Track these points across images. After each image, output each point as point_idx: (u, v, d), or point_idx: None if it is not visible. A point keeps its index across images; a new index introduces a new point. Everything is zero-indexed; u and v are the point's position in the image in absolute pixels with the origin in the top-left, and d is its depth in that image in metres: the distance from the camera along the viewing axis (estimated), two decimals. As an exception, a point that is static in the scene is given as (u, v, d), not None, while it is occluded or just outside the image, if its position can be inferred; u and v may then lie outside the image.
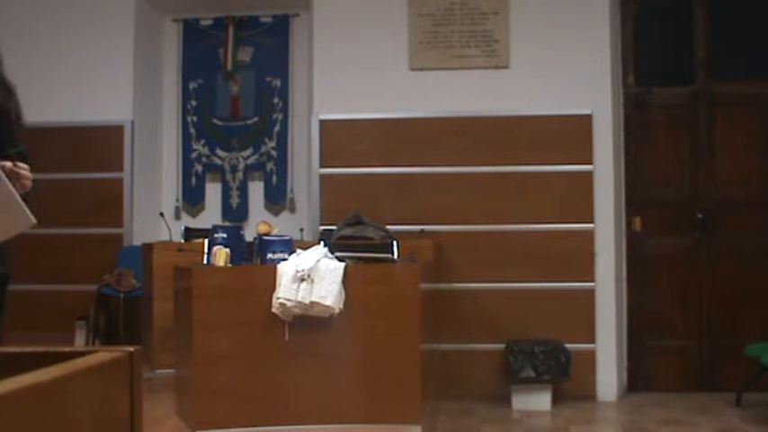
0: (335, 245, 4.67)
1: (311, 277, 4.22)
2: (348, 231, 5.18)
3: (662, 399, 6.02)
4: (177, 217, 7.10)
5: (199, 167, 7.21)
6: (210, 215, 7.00)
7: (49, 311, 6.42)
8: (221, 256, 4.53)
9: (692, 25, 6.45)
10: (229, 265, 4.55)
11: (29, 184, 2.11)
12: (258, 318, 4.30)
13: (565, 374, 5.74)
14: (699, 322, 6.30)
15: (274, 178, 7.13)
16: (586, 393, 5.98)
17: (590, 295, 6.09)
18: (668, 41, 6.60)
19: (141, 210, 6.82)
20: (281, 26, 7.17)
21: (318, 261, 4.29)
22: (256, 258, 4.68)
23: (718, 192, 6.33)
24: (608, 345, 6.10)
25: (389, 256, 4.69)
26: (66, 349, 1.03)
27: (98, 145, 6.65)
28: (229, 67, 7.12)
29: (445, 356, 5.97)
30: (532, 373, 5.68)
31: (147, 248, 6.04)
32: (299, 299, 4.21)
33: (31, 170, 2.18)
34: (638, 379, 6.30)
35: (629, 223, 6.38)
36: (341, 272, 4.28)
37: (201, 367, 4.34)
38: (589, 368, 6.02)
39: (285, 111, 7.13)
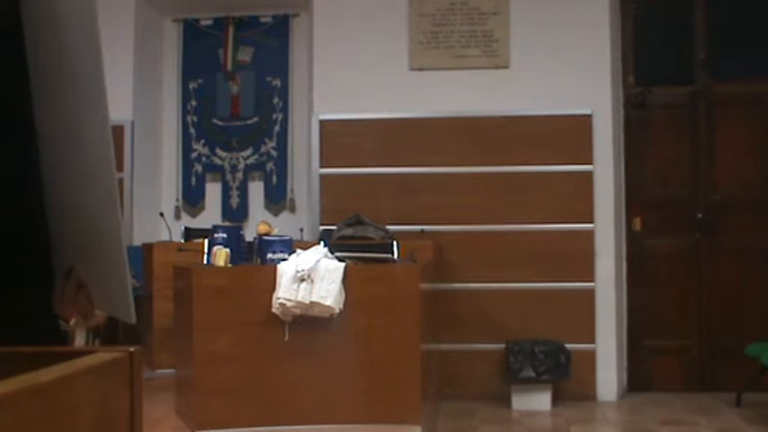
0: (335, 245, 4.67)
1: (311, 277, 4.22)
2: (348, 231, 5.18)
3: (662, 399, 6.02)
4: (177, 217, 7.09)
5: (199, 167, 7.21)
6: (210, 215, 7.00)
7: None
8: (221, 256, 4.53)
9: (692, 25, 6.45)
10: (229, 265, 4.55)
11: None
12: (258, 318, 4.30)
13: (565, 374, 5.74)
14: (699, 322, 6.30)
15: (274, 178, 7.13)
16: (586, 393, 5.98)
17: (590, 295, 6.09)
18: (668, 41, 6.60)
19: (141, 210, 6.82)
20: (281, 26, 7.17)
21: (318, 261, 4.29)
22: (256, 258, 4.68)
23: (718, 192, 6.33)
24: (608, 345, 6.10)
25: (389, 256, 4.69)
26: (66, 349, 1.03)
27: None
28: (229, 67, 7.12)
29: (445, 356, 5.97)
30: (532, 373, 5.68)
31: (147, 248, 6.04)
32: (299, 299, 4.21)
33: None
34: (638, 379, 6.29)
35: (629, 223, 6.38)
36: (341, 272, 4.27)
37: (201, 367, 4.34)
38: (589, 368, 6.02)
39: (285, 111, 7.13)
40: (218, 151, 7.19)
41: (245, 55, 7.17)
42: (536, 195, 6.13)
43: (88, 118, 1.28)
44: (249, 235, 5.27)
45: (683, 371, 6.29)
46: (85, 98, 1.28)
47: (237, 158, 7.16)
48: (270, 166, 7.13)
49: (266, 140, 7.14)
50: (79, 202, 1.36)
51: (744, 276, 6.25)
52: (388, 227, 5.52)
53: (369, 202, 6.04)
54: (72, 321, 1.51)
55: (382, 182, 6.24)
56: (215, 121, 7.20)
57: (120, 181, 6.66)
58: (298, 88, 7.05)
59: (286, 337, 4.27)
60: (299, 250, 4.50)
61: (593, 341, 6.06)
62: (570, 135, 6.14)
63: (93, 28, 1.26)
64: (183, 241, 6.13)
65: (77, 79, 1.28)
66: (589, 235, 6.12)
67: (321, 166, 6.33)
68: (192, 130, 7.22)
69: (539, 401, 5.73)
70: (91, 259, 1.41)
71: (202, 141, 7.20)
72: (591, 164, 6.15)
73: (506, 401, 5.81)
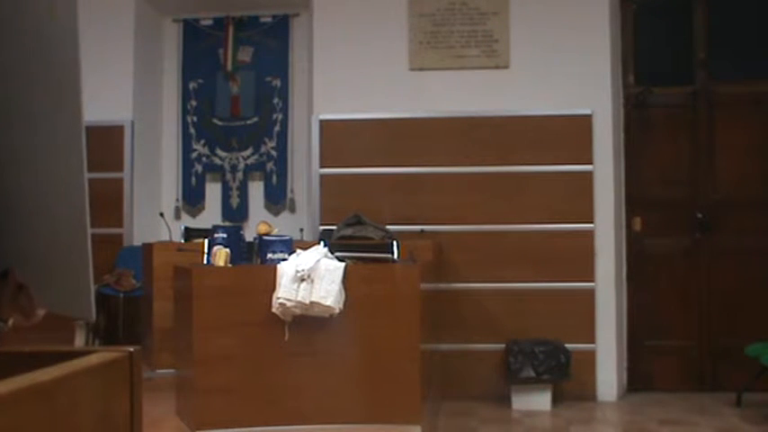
0: (335, 245, 4.67)
1: (311, 277, 4.22)
2: (348, 231, 5.18)
3: (662, 399, 6.02)
4: (177, 217, 7.09)
5: (199, 167, 7.20)
6: (210, 215, 7.00)
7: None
8: (221, 256, 4.53)
9: (691, 25, 6.45)
10: (229, 265, 4.55)
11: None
12: (258, 318, 4.30)
13: (565, 374, 5.74)
14: (699, 322, 6.30)
15: (274, 178, 7.13)
16: (586, 393, 5.98)
17: (590, 295, 6.09)
18: (668, 41, 6.60)
19: (141, 210, 6.82)
20: (281, 26, 7.17)
21: (318, 261, 4.29)
22: (256, 258, 4.68)
23: (718, 192, 6.33)
24: (608, 345, 6.10)
25: (389, 255, 4.68)
26: (66, 349, 1.02)
27: (98, 145, 6.60)
28: (229, 67, 7.12)
29: (445, 356, 5.97)
30: (532, 373, 5.68)
31: (147, 248, 6.03)
32: (299, 299, 4.20)
33: None
34: (638, 379, 6.29)
35: (629, 223, 6.38)
36: (341, 272, 4.27)
37: (201, 367, 4.33)
38: (589, 368, 6.02)
39: (285, 111, 7.13)
40: (218, 151, 7.19)
41: (245, 55, 7.17)
42: (536, 195, 6.13)
43: (54, 118, 1.21)
44: (249, 235, 5.27)
45: (683, 371, 6.29)
46: (51, 95, 1.19)
47: (237, 158, 7.16)
48: (270, 166, 7.13)
49: (266, 140, 7.14)
50: (34, 203, 1.32)
51: (744, 276, 6.25)
52: (388, 227, 5.51)
53: (369, 202, 6.04)
54: (10, 321, 1.50)
55: (382, 182, 6.24)
56: (215, 121, 7.20)
57: (120, 181, 6.67)
58: (298, 88, 7.06)
59: (286, 337, 4.27)
60: (299, 250, 4.50)
61: (593, 341, 6.06)
62: (570, 135, 6.14)
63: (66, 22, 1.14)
64: (183, 241, 6.13)
65: (43, 76, 1.20)
66: (589, 235, 6.12)
67: (321, 166, 6.33)
68: (191, 130, 7.22)
69: (539, 401, 5.73)
70: (42, 261, 1.39)
71: (202, 141, 7.20)
72: (591, 164, 6.15)
73: (506, 401, 5.81)
